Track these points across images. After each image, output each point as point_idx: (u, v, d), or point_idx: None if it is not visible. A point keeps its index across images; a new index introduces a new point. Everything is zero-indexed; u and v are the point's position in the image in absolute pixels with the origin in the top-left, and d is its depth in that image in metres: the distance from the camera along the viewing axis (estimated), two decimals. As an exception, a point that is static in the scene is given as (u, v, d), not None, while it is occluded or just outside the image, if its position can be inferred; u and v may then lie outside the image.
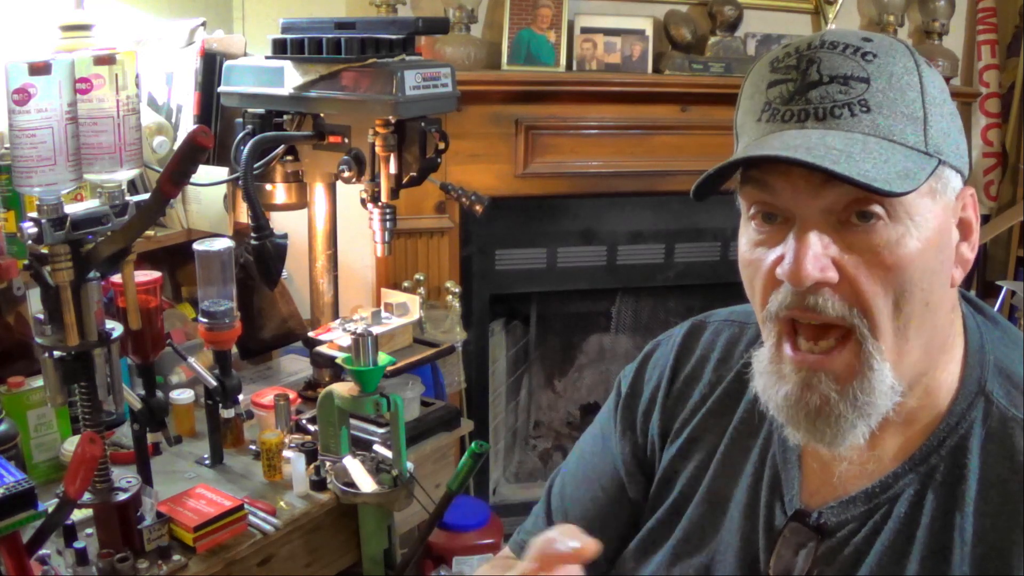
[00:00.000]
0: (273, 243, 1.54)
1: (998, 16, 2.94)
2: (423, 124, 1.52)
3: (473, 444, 1.31)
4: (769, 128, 0.73)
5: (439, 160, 1.55)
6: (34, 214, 1.08)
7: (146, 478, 1.31)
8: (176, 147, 1.68)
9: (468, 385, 2.48)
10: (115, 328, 1.19)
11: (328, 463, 1.42)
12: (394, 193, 1.55)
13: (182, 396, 1.59)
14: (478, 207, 1.70)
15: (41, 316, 1.15)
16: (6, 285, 1.43)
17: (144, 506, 1.24)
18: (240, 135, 1.61)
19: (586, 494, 1.01)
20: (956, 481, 0.76)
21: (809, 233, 0.71)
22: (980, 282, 3.15)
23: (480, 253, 2.57)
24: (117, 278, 1.24)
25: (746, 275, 0.78)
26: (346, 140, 1.59)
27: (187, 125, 1.82)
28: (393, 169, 1.53)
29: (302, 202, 1.71)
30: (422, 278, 2.37)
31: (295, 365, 1.89)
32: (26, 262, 1.15)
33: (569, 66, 2.53)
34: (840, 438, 0.74)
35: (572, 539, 0.66)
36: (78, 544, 1.17)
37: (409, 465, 1.40)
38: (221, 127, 1.82)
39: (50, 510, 1.08)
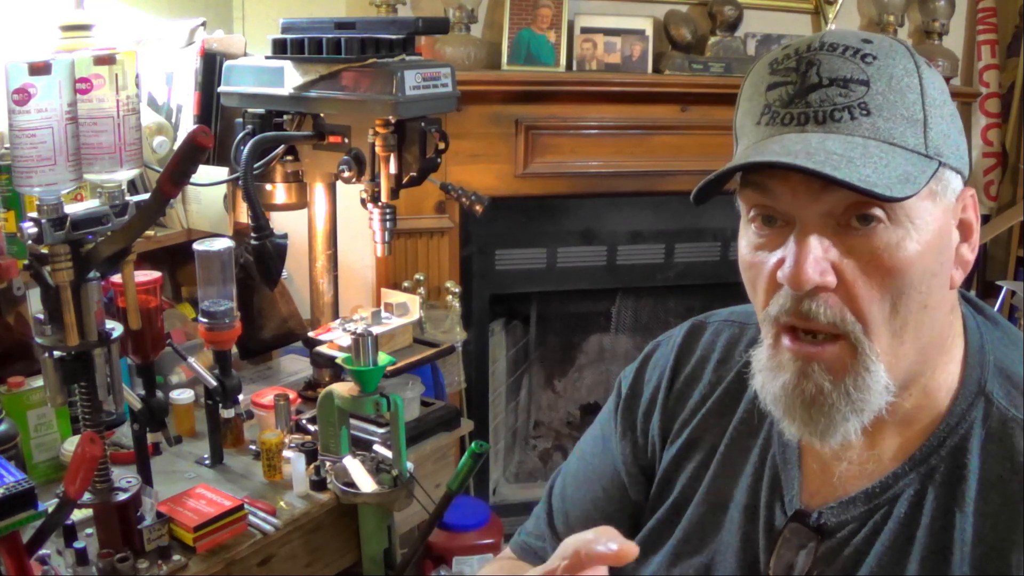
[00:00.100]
0: (273, 243, 1.54)
1: (998, 16, 2.94)
2: (423, 124, 1.52)
3: (473, 444, 1.31)
4: (769, 131, 0.73)
5: (439, 160, 1.55)
6: (34, 214, 1.08)
7: (146, 478, 1.31)
8: (176, 147, 1.68)
9: (468, 385, 2.48)
10: (115, 328, 1.19)
11: (328, 463, 1.42)
12: (394, 193, 1.55)
13: (182, 396, 1.59)
14: (478, 207, 1.70)
15: (41, 316, 1.15)
16: (6, 285, 1.43)
17: (144, 506, 1.24)
18: (240, 135, 1.61)
19: (587, 495, 1.01)
20: (956, 481, 0.76)
21: (809, 237, 0.71)
22: (980, 282, 3.15)
23: (480, 253, 2.57)
24: (117, 278, 1.24)
25: (747, 278, 0.78)
26: (346, 140, 1.59)
27: (187, 125, 1.82)
28: (393, 169, 1.53)
29: (302, 202, 1.71)
30: (422, 278, 2.37)
31: (295, 365, 1.89)
32: (26, 262, 1.15)
33: (569, 66, 2.53)
34: (832, 430, 0.74)
35: (612, 541, 0.66)
36: (78, 544, 1.17)
37: (409, 465, 1.40)
38: (221, 127, 1.82)
39: (50, 510, 1.08)
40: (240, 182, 1.53)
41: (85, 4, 1.70)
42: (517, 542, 1.08)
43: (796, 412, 0.75)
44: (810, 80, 0.72)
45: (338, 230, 1.75)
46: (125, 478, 1.22)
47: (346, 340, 1.54)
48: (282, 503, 1.38)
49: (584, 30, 2.53)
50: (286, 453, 1.45)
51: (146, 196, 1.18)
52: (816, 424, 0.74)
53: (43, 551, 1.15)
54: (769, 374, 0.77)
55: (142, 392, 1.33)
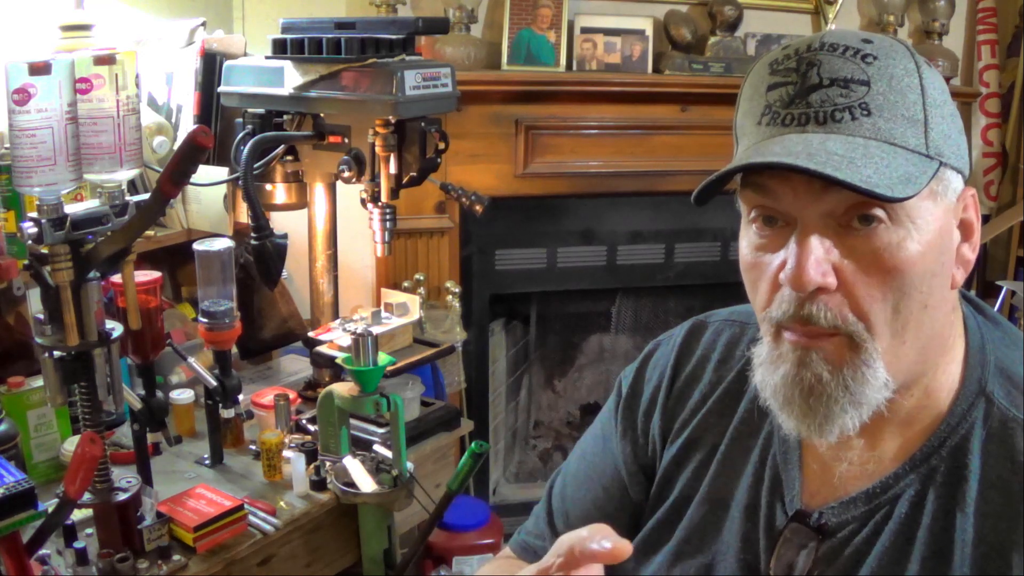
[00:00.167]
0: (273, 243, 1.54)
1: (998, 16, 2.94)
2: (423, 124, 1.52)
3: (473, 444, 1.31)
4: (769, 132, 0.73)
5: (439, 160, 1.55)
6: (34, 214, 1.08)
7: (146, 478, 1.31)
8: (176, 147, 1.68)
9: (468, 385, 2.48)
10: (115, 328, 1.19)
11: (328, 463, 1.42)
12: (394, 193, 1.55)
13: (182, 396, 1.59)
14: (478, 207, 1.70)
15: (41, 316, 1.15)
16: (6, 285, 1.43)
17: (144, 506, 1.24)
18: (240, 135, 1.61)
19: (587, 494, 1.01)
20: (957, 482, 0.76)
21: (811, 237, 0.71)
22: (980, 282, 3.15)
23: (480, 253, 2.57)
24: (117, 278, 1.24)
25: (748, 278, 0.78)
26: (346, 140, 1.59)
27: (187, 125, 1.82)
28: (393, 169, 1.53)
29: (302, 202, 1.71)
30: (422, 278, 2.37)
31: (295, 365, 1.89)
32: (26, 262, 1.15)
33: (569, 66, 2.53)
34: (830, 421, 0.74)
35: (606, 539, 0.66)
36: (78, 544, 1.17)
37: (409, 465, 1.40)
38: (221, 127, 1.82)
39: (50, 510, 1.08)
40: (240, 182, 1.53)
41: (85, 4, 1.70)
42: (517, 541, 1.08)
43: (795, 402, 0.75)
44: (811, 80, 0.72)
45: (338, 230, 1.75)
46: (125, 478, 1.22)
47: (346, 340, 1.54)
48: (282, 503, 1.38)
49: (584, 30, 2.53)
50: (286, 453, 1.45)
51: (146, 196, 1.18)
52: (815, 415, 0.74)
53: (43, 551, 1.15)
54: (769, 367, 0.77)
55: (142, 392, 1.33)
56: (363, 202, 1.59)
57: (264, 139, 1.58)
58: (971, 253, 0.78)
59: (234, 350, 1.50)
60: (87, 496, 1.17)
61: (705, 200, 0.75)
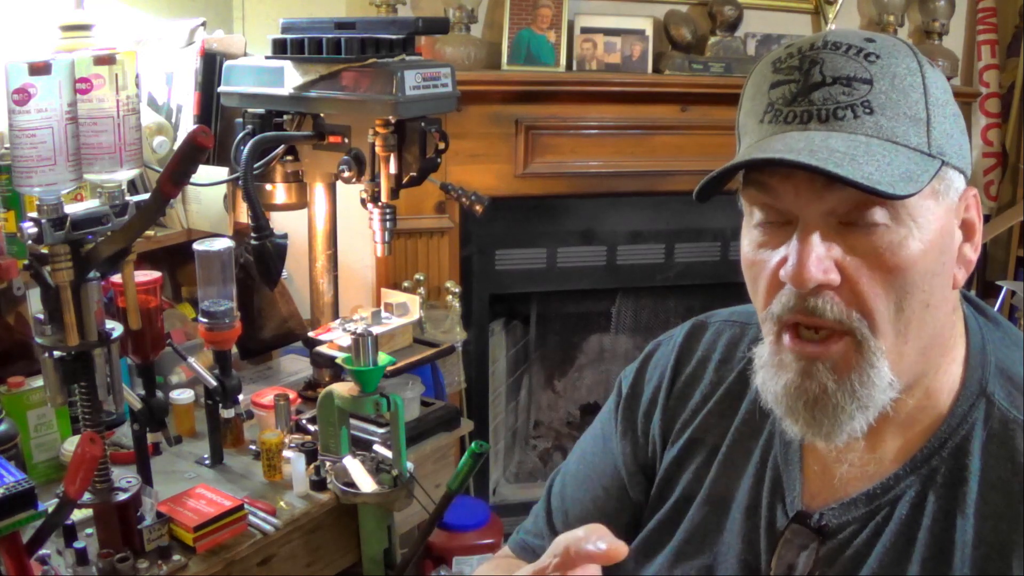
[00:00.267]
0: (273, 243, 1.54)
1: (998, 16, 2.94)
2: (423, 124, 1.52)
3: (473, 444, 1.31)
4: (772, 129, 0.73)
5: (439, 160, 1.55)
6: (34, 214, 1.08)
7: (146, 478, 1.31)
8: (176, 147, 1.68)
9: (468, 385, 2.48)
10: (115, 328, 1.19)
11: (328, 463, 1.42)
12: (394, 193, 1.55)
13: (182, 396, 1.59)
14: (478, 207, 1.70)
15: (41, 316, 1.15)
16: (6, 285, 1.43)
17: (144, 506, 1.24)
18: (240, 135, 1.61)
19: (587, 494, 1.00)
20: (957, 483, 0.76)
21: (812, 235, 0.71)
22: (980, 282, 3.15)
23: (480, 253, 2.57)
24: (117, 278, 1.24)
25: (749, 276, 0.78)
26: (346, 140, 1.59)
27: (187, 125, 1.82)
28: (393, 169, 1.53)
29: (302, 202, 1.71)
30: (422, 278, 2.37)
31: (295, 365, 1.89)
32: (26, 262, 1.15)
33: (569, 66, 2.53)
34: (838, 430, 0.74)
35: (602, 540, 0.66)
36: (78, 544, 1.17)
37: (409, 465, 1.40)
38: (221, 127, 1.81)
39: (50, 510, 1.08)
40: (240, 182, 1.53)
41: (85, 4, 1.70)
42: (516, 540, 1.08)
43: (799, 413, 0.74)
44: (813, 78, 0.72)
45: (338, 230, 1.75)
46: (125, 478, 1.22)
47: (346, 340, 1.54)
48: (282, 503, 1.38)
49: (584, 30, 2.53)
50: (286, 453, 1.45)
51: (146, 196, 1.18)
52: (820, 425, 0.74)
53: (43, 551, 1.15)
54: (771, 371, 0.76)
55: (142, 392, 1.33)
56: (363, 202, 1.59)
57: (264, 139, 1.58)
58: (973, 253, 0.78)
59: (234, 350, 1.50)
60: (87, 496, 1.17)
61: (706, 198, 0.75)
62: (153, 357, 1.34)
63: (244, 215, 1.67)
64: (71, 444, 1.39)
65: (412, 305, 1.68)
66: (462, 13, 2.41)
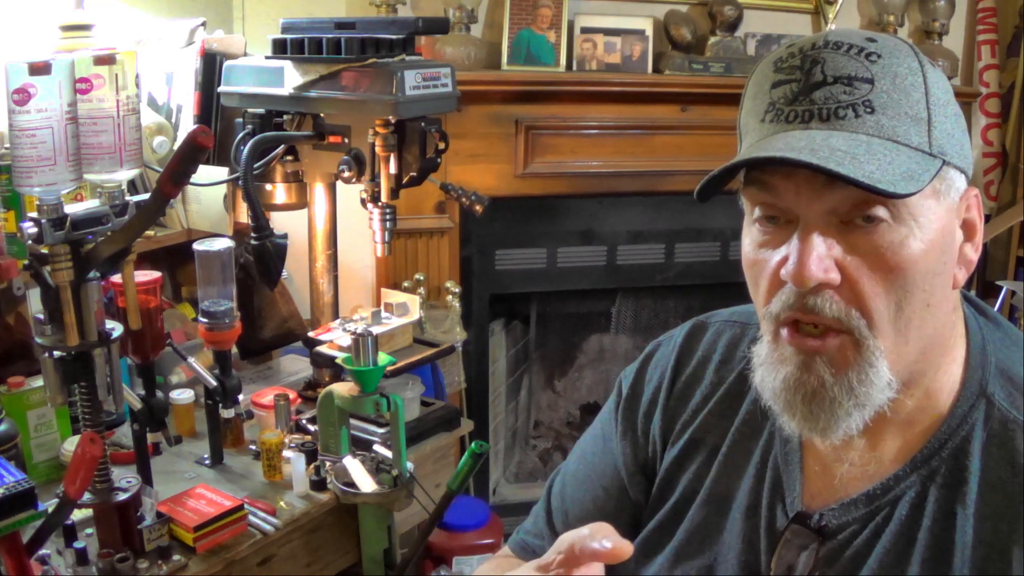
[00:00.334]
0: (273, 243, 1.54)
1: (998, 16, 2.94)
2: (423, 124, 1.52)
3: (473, 444, 1.31)
4: (773, 129, 0.73)
5: (439, 160, 1.55)
6: (34, 214, 1.08)
7: (146, 478, 1.31)
8: (176, 147, 1.68)
9: (468, 385, 2.48)
10: (115, 328, 1.19)
11: (328, 463, 1.42)
12: (394, 193, 1.55)
13: (182, 396, 1.59)
14: (478, 207, 1.70)
15: (41, 316, 1.15)
16: (6, 285, 1.43)
17: (144, 506, 1.24)
18: (240, 135, 1.61)
19: (587, 494, 1.00)
20: (957, 483, 0.76)
21: (813, 234, 0.71)
22: (980, 282, 3.15)
23: (480, 253, 2.57)
24: (117, 278, 1.24)
25: (750, 275, 0.78)
26: (346, 140, 1.59)
27: (187, 125, 1.82)
28: (393, 169, 1.53)
29: (302, 202, 1.71)
30: (422, 278, 2.37)
31: (295, 365, 1.89)
32: (26, 262, 1.14)
33: (569, 66, 2.53)
34: (834, 425, 0.74)
35: (607, 538, 0.66)
36: (78, 544, 1.17)
37: (409, 465, 1.40)
38: (221, 127, 1.82)
39: (50, 510, 1.08)
40: (240, 182, 1.53)
41: (85, 4, 1.70)
42: (516, 540, 1.08)
43: (797, 407, 0.75)
44: (814, 78, 0.72)
45: (338, 230, 1.75)
46: (125, 478, 1.22)
47: (346, 340, 1.54)
48: (282, 503, 1.38)
49: (584, 30, 2.53)
50: (286, 453, 1.45)
51: (146, 196, 1.18)
52: (817, 420, 0.74)
53: (43, 551, 1.15)
54: (769, 368, 0.76)
55: (142, 392, 1.33)
56: (363, 202, 1.59)
57: (264, 139, 1.58)
58: (973, 253, 0.78)
59: (234, 350, 1.50)
60: (87, 496, 1.17)
61: (707, 197, 0.75)
62: (153, 357, 1.34)
63: (244, 215, 1.67)
64: (71, 444, 1.39)
65: (412, 305, 1.68)
66: (462, 13, 2.41)
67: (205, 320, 1.42)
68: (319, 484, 1.41)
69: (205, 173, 1.64)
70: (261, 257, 1.54)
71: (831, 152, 0.68)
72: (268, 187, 1.67)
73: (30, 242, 1.09)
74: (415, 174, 1.55)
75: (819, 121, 0.71)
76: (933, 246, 0.72)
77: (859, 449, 0.79)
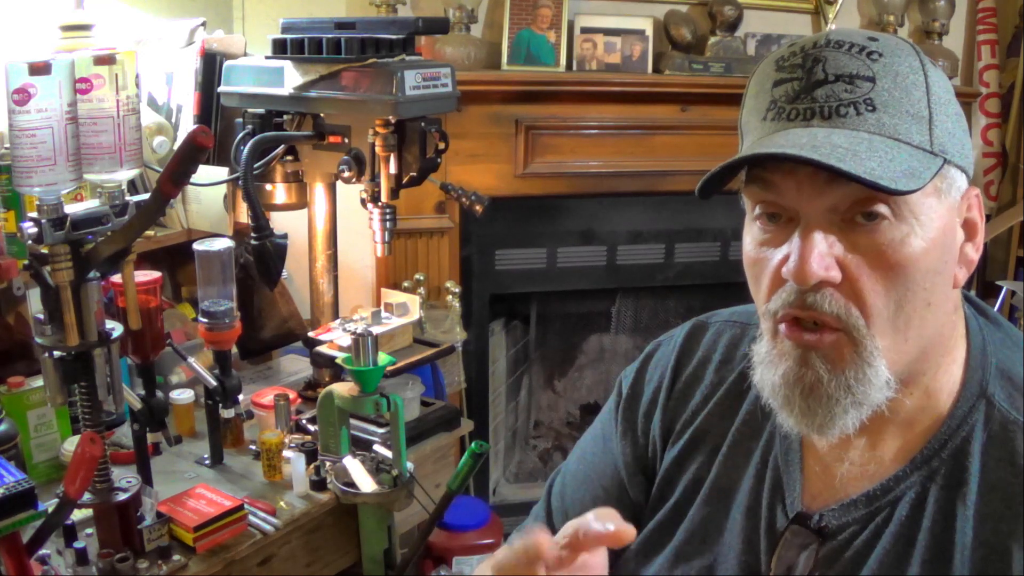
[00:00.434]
0: (273, 243, 1.54)
1: (998, 16, 2.94)
2: (423, 124, 1.52)
3: (473, 444, 1.31)
4: (774, 127, 0.73)
5: (439, 160, 1.55)
6: (34, 214, 1.08)
7: (146, 478, 1.31)
8: (176, 147, 1.68)
9: (468, 385, 2.48)
10: (115, 328, 1.19)
11: (328, 463, 1.42)
12: (394, 193, 1.55)
13: (182, 396, 1.59)
14: (478, 207, 1.70)
15: (41, 316, 1.15)
16: (6, 285, 1.43)
17: (144, 506, 1.24)
18: (240, 135, 1.61)
19: (587, 494, 1.00)
20: (957, 484, 0.76)
21: (814, 232, 0.71)
22: (980, 282, 3.15)
23: (480, 253, 2.57)
24: (117, 278, 1.24)
25: (751, 274, 0.78)
26: (346, 140, 1.59)
27: (187, 125, 1.82)
28: (393, 169, 1.53)
29: (302, 202, 1.71)
30: (422, 278, 2.37)
31: (295, 365, 1.89)
32: (26, 262, 1.14)
33: (569, 66, 2.53)
34: (831, 422, 0.74)
35: (610, 521, 0.66)
36: (78, 544, 1.17)
37: (409, 465, 1.40)
38: (221, 127, 1.82)
39: (50, 510, 1.08)
40: (240, 182, 1.53)
41: (85, 4, 1.70)
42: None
43: (795, 402, 0.75)
44: (816, 76, 0.72)
45: (338, 230, 1.75)
46: (125, 478, 1.22)
47: (346, 340, 1.54)
48: (282, 503, 1.38)
49: (584, 30, 2.53)
50: (286, 453, 1.45)
51: (146, 196, 1.18)
52: (814, 416, 0.74)
53: (43, 551, 1.15)
54: (769, 364, 0.77)
55: (142, 392, 1.33)
56: (363, 202, 1.59)
57: (264, 139, 1.58)
58: (974, 253, 0.78)
59: (234, 350, 1.50)
60: (87, 496, 1.17)
61: (708, 195, 0.75)
62: (153, 357, 1.34)
63: (244, 215, 1.67)
64: (71, 444, 1.39)
65: (412, 305, 1.68)
66: (462, 13, 2.41)
67: (205, 320, 1.42)
68: (319, 484, 1.41)
69: (205, 173, 1.64)
70: (261, 257, 1.54)
71: (832, 149, 0.68)
72: (268, 187, 1.67)
73: (30, 242, 1.09)
74: (415, 174, 1.55)
75: (821, 119, 0.71)
76: (934, 245, 0.72)
77: (859, 449, 0.79)
